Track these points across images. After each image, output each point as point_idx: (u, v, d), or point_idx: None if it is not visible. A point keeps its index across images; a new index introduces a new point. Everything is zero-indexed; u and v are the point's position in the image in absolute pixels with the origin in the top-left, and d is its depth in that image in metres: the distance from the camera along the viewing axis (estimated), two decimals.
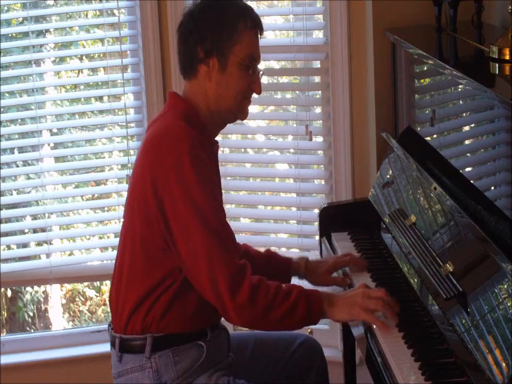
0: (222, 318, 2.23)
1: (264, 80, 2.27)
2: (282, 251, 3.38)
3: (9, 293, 5.47)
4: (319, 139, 3.35)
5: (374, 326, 2.08)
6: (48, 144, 3.69)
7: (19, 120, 3.60)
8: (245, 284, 2.01)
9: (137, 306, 2.12)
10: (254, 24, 2.18)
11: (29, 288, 5.56)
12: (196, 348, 2.15)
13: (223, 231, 2.07)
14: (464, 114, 2.43)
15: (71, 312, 6.05)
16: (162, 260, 2.10)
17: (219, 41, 2.13)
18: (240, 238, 2.83)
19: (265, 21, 2.26)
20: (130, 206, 2.17)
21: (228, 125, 2.30)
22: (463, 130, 2.42)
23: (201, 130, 2.15)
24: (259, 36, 2.21)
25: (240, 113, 2.24)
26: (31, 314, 5.59)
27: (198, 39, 2.15)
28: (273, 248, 3.18)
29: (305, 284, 2.40)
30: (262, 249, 2.50)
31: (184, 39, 2.19)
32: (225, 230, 2.09)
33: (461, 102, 2.43)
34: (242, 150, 3.73)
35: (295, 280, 2.47)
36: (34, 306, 5.63)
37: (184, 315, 2.13)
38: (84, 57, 4.11)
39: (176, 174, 2.03)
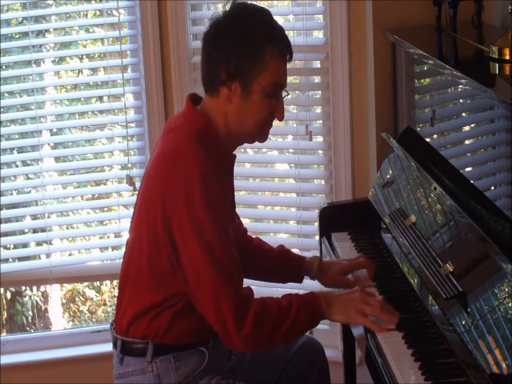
0: None
1: None
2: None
3: (8, 294, 5.48)
4: (319, 139, 3.35)
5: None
6: (48, 144, 3.69)
7: (19, 120, 3.60)
8: (249, 315, 2.00)
9: (139, 316, 2.11)
10: (282, 50, 2.08)
11: (28, 292, 5.57)
12: (198, 354, 2.14)
13: (229, 263, 2.04)
14: (464, 114, 2.43)
15: (71, 312, 6.05)
16: (168, 281, 2.08)
17: (243, 68, 2.04)
18: None
19: None
20: (139, 219, 2.13)
21: None
22: (463, 130, 2.42)
23: (216, 150, 2.09)
24: (287, 61, 2.11)
25: (260, 137, 2.17)
26: (30, 319, 5.59)
27: (221, 60, 2.05)
28: None
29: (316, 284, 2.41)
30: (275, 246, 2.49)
31: (207, 55, 2.10)
32: (232, 261, 2.05)
33: (461, 102, 2.43)
34: (242, 150, 3.73)
35: (305, 280, 2.48)
36: (33, 309, 5.63)
37: (188, 330, 2.12)
38: (83, 57, 4.11)
39: (185, 202, 1.99)
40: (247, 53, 2.04)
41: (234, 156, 2.21)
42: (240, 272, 2.08)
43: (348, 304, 2.09)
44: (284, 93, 2.15)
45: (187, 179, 1.99)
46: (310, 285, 3.25)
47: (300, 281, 2.47)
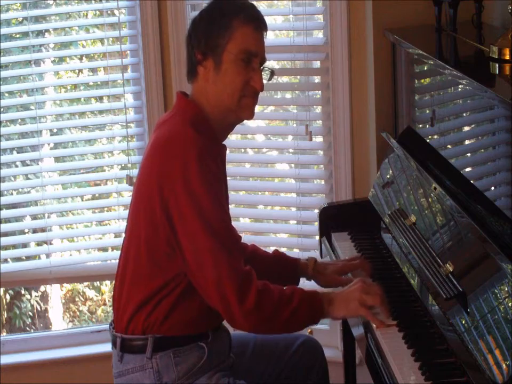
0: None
1: (264, 79, 2.23)
2: (283, 251, 3.38)
3: (7, 297, 5.48)
4: (319, 139, 3.35)
5: (374, 326, 2.08)
6: (48, 144, 3.69)
7: (19, 120, 3.59)
8: (252, 290, 2.01)
9: (139, 308, 2.12)
10: (250, 18, 2.14)
11: (27, 296, 5.57)
12: (197, 349, 2.15)
13: (229, 238, 2.06)
14: (464, 114, 2.43)
15: (71, 312, 6.05)
16: (167, 264, 2.09)
17: (211, 40, 2.13)
18: None
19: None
20: (136, 208, 2.15)
21: None
22: (463, 130, 2.42)
23: (209, 135, 2.13)
24: (263, 33, 2.18)
25: (242, 111, 2.18)
26: (29, 320, 5.59)
27: (194, 42, 2.16)
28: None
29: (312, 285, 2.41)
30: (270, 250, 2.51)
31: (186, 44, 2.21)
32: (231, 237, 2.09)
33: (461, 102, 2.43)
34: (242, 150, 3.73)
35: (302, 281, 2.48)
36: (33, 310, 5.63)
37: (186, 319, 2.12)
38: (83, 57, 4.11)
39: (183, 181, 2.02)
40: (215, 28, 2.14)
41: (225, 147, 2.24)
42: (239, 249, 2.13)
43: (348, 296, 2.10)
44: (263, 66, 2.19)
45: (184, 160, 2.03)
46: (310, 285, 3.26)
47: (296, 283, 2.47)
